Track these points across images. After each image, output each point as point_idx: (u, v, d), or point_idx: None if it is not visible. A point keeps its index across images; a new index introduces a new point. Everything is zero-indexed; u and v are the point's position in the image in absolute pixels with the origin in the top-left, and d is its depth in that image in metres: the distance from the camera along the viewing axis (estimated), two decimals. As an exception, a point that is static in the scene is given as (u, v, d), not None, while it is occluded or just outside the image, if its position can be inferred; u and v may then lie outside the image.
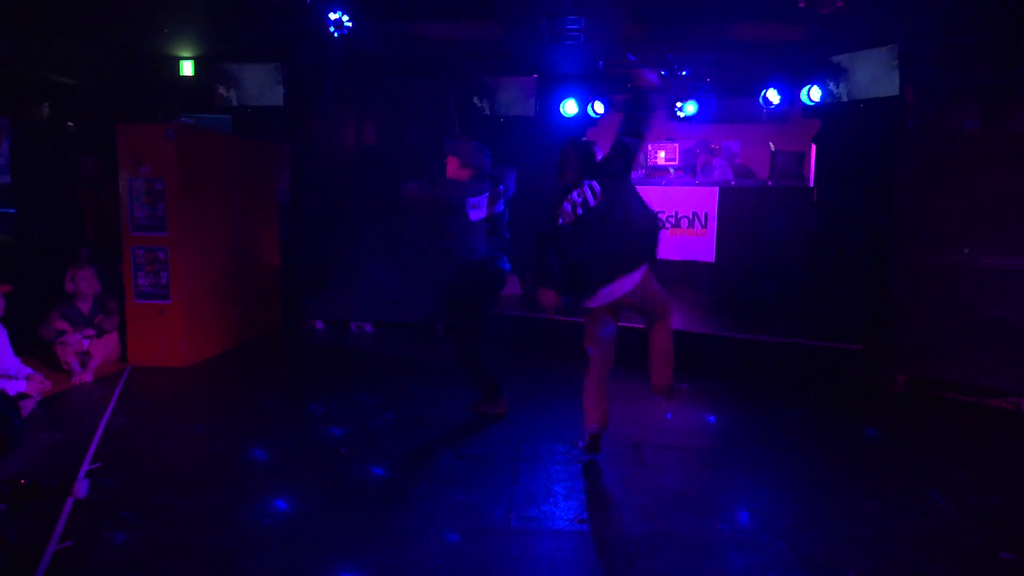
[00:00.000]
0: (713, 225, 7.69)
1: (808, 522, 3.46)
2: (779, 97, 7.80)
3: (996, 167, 5.24)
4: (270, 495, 3.65)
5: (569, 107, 8.18)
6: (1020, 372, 5.22)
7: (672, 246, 7.89)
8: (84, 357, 5.80)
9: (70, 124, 7.76)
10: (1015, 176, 5.16)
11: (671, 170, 8.63)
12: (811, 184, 7.86)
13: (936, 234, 5.53)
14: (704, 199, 7.72)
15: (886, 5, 5.66)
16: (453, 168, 4.66)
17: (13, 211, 7.19)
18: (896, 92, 6.31)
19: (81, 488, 2.87)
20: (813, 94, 7.32)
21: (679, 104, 8.41)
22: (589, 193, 3.86)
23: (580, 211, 3.86)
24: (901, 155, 5.75)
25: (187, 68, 7.64)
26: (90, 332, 5.88)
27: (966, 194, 5.39)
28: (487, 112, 7.82)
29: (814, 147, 8.06)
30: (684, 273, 7.86)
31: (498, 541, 3.22)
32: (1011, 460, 4.43)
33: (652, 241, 3.97)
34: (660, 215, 7.95)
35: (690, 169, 8.65)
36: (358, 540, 3.22)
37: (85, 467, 3.92)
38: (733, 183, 7.90)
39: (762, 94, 7.88)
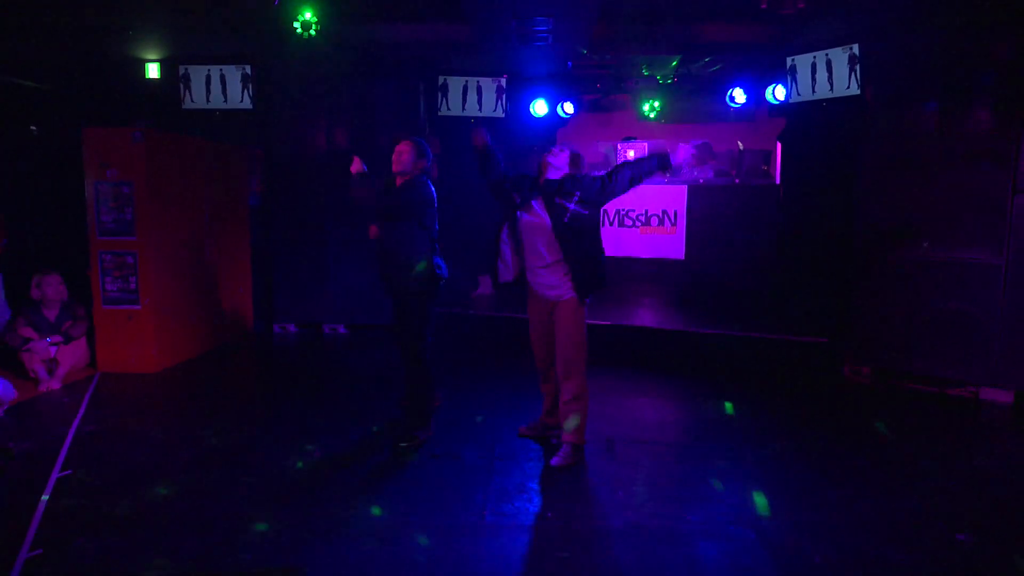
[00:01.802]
0: (682, 223, 7.81)
1: (776, 512, 3.55)
2: (745, 96, 7.94)
3: (953, 164, 5.41)
4: (244, 499, 3.65)
5: (539, 107, 8.25)
6: (977, 362, 5.40)
7: (642, 244, 7.99)
8: (51, 364, 5.72)
9: (33, 128, 7.63)
10: (970, 173, 5.33)
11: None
12: (777, 182, 8.01)
13: (897, 229, 5.69)
14: (673, 197, 7.83)
15: (846, 6, 5.80)
16: (410, 158, 4.36)
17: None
18: (857, 91, 6.47)
19: None
20: (778, 93, 7.47)
21: (647, 104, 8.51)
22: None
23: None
24: (862, 153, 5.91)
25: (153, 70, 7.55)
26: (57, 339, 5.80)
27: (925, 191, 5.55)
28: (457, 113, 7.85)
29: (779, 145, 8.21)
30: (654, 270, 7.97)
31: (473, 537, 3.26)
32: (968, 447, 4.58)
33: None
34: (630, 213, 8.05)
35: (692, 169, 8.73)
36: (334, 539, 3.23)
37: (55, 475, 3.88)
38: (701, 181, 8.02)
39: (728, 93, 8.02)
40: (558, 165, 4.13)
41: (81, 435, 4.56)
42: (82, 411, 5.04)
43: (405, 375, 4.49)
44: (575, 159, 4.18)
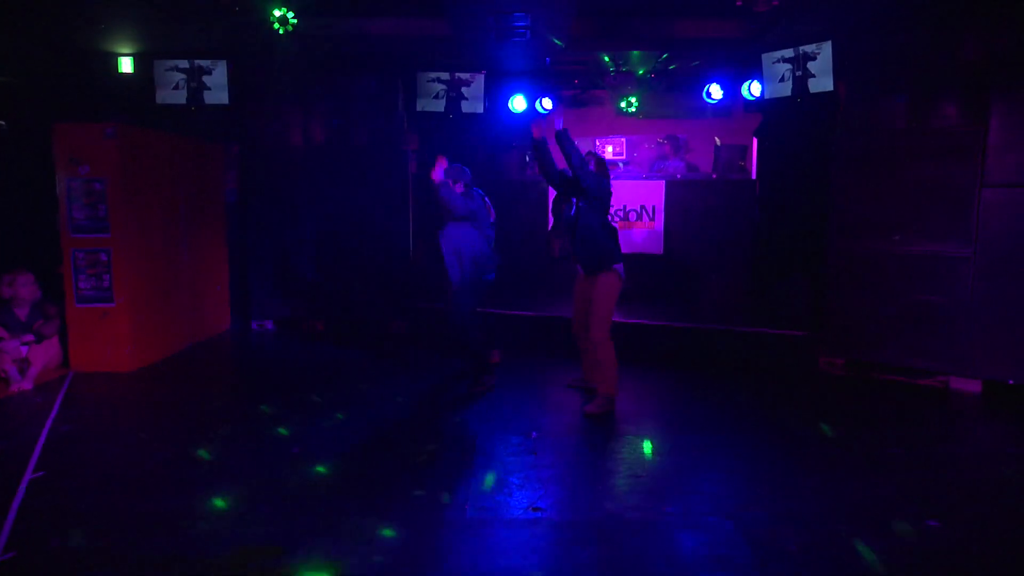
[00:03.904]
0: (661, 218, 7.86)
1: (753, 502, 3.60)
2: (721, 92, 8.00)
3: (921, 158, 5.52)
4: (221, 498, 3.62)
5: (518, 103, 8.25)
6: (947, 352, 5.52)
7: (621, 239, 8.00)
8: (23, 364, 5.63)
9: (2, 123, 7.48)
10: (939, 168, 5.44)
11: (620, 164, 8.78)
12: (753, 177, 8.09)
13: (869, 223, 5.79)
14: (651, 193, 7.88)
15: (819, 4, 5.87)
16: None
17: None
18: (831, 88, 6.56)
19: None
20: (754, 89, 7.54)
21: (624, 100, 8.56)
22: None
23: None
24: (835, 148, 6.00)
25: (126, 65, 7.44)
26: (28, 338, 5.71)
27: (896, 184, 5.65)
28: (436, 109, 7.83)
29: (756, 141, 8.29)
30: (634, 265, 8.00)
31: (454, 532, 3.27)
32: (938, 435, 4.68)
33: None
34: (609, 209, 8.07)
35: (647, 163, 8.80)
36: (314, 538, 3.23)
37: (27, 476, 3.82)
38: (679, 177, 8.09)
39: (705, 89, 8.07)
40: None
41: (54, 436, 4.49)
42: (55, 411, 4.97)
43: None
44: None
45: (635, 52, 7.78)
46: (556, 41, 6.37)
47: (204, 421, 4.86)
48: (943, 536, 3.24)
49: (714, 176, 8.09)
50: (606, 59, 8.00)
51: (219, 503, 3.55)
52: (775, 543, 3.17)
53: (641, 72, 8.33)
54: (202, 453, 4.24)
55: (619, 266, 4.96)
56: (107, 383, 5.73)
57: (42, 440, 4.39)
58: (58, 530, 3.26)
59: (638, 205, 7.94)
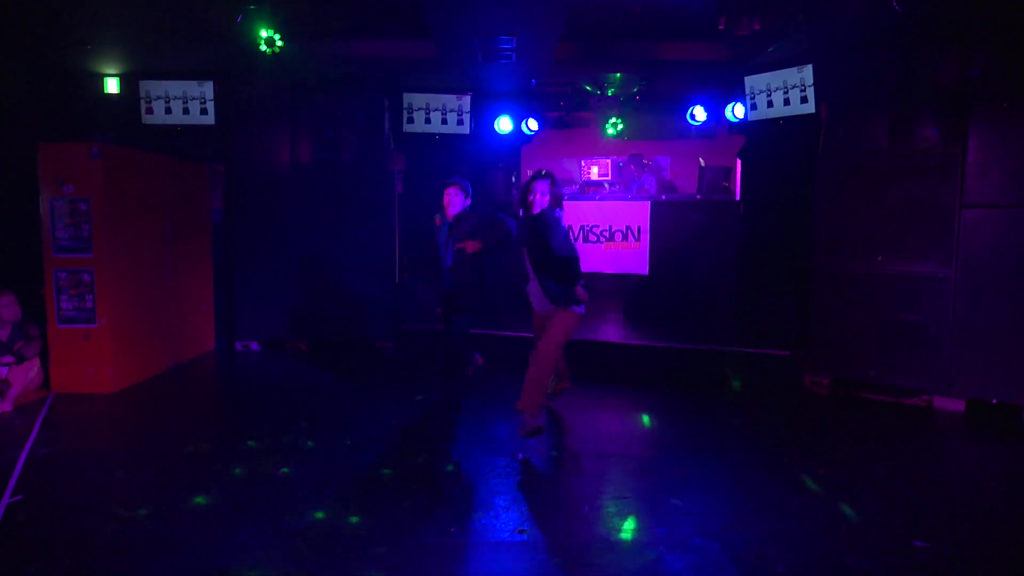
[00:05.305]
0: (646, 238, 7.92)
1: (740, 522, 3.60)
2: (705, 114, 8.11)
3: (902, 179, 5.60)
4: (204, 522, 3.57)
5: (504, 124, 8.31)
6: (930, 372, 5.56)
7: (607, 259, 8.08)
8: (3, 386, 5.54)
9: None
10: (919, 189, 5.53)
11: (605, 185, 8.87)
12: (737, 198, 8.18)
13: (852, 243, 5.86)
14: (637, 213, 7.94)
15: (800, 28, 5.98)
16: (459, 199, 5.66)
17: None
18: (812, 109, 6.66)
19: None
20: (737, 111, 7.64)
21: (610, 121, 8.65)
22: None
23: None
24: (818, 169, 6.08)
25: (112, 85, 7.43)
26: (8, 359, 5.62)
27: (877, 205, 5.73)
28: (422, 130, 7.87)
29: (740, 162, 8.40)
30: (619, 285, 8.06)
31: (439, 555, 3.24)
32: (923, 455, 4.71)
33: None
34: (595, 229, 8.13)
35: (623, 184, 8.91)
36: (295, 562, 3.18)
37: (6, 499, 3.75)
38: (664, 198, 8.17)
39: (689, 111, 8.18)
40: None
41: (34, 458, 4.41)
42: (35, 433, 4.89)
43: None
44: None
45: (619, 74, 7.87)
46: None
47: (186, 444, 4.79)
48: (930, 556, 3.25)
49: (699, 197, 8.17)
50: (591, 81, 8.08)
51: (199, 527, 3.50)
52: (762, 564, 3.16)
53: (625, 94, 8.41)
54: (183, 476, 4.18)
55: (579, 309, 4.80)
56: (88, 405, 5.65)
57: (21, 463, 4.31)
58: (37, 554, 3.19)
59: (624, 225, 8.00)
